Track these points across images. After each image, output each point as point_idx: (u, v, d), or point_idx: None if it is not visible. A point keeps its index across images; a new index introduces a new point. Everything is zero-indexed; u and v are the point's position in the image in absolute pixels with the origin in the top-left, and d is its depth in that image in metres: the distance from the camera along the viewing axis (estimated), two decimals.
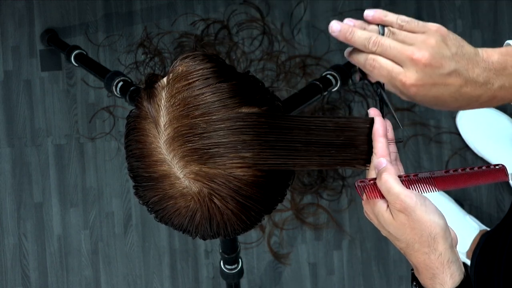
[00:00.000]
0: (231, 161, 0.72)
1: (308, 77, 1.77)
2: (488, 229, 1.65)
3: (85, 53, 1.61)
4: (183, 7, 1.78)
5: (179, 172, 0.73)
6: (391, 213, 0.74)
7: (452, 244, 0.75)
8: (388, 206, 0.74)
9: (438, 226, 0.73)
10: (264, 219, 0.79)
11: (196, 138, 0.72)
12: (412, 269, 0.78)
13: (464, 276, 0.75)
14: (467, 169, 0.75)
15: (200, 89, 0.73)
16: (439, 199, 1.69)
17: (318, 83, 1.28)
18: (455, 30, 1.77)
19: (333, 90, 1.32)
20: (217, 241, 1.69)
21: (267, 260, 1.79)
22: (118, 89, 1.37)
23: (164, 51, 1.77)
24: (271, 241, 1.78)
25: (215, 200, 0.73)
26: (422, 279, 0.76)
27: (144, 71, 1.77)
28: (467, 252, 1.63)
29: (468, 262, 1.64)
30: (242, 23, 1.78)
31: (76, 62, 1.60)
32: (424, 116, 1.78)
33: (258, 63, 1.78)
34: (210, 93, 0.73)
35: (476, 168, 0.75)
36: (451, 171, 0.75)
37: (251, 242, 1.78)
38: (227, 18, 1.78)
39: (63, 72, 1.77)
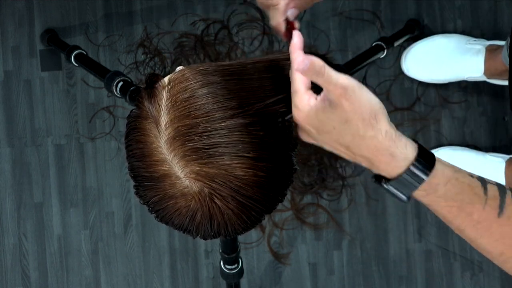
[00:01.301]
0: (231, 161, 0.72)
1: None
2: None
3: (85, 53, 1.61)
4: (183, 7, 1.78)
5: (180, 172, 0.73)
6: (331, 101, 0.70)
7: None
8: (323, 98, 0.71)
9: (377, 103, 0.71)
10: (264, 218, 0.79)
11: (196, 138, 0.72)
12: (373, 176, 0.75)
13: (417, 143, 0.73)
14: None
15: (200, 89, 0.73)
16: (455, 153, 1.71)
17: None
18: (455, 30, 1.77)
19: None
20: (217, 241, 1.69)
21: (267, 260, 1.79)
22: (118, 89, 1.37)
23: (164, 51, 1.77)
24: (271, 241, 1.78)
25: (216, 200, 0.73)
26: (385, 169, 0.72)
27: (144, 71, 1.77)
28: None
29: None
30: (242, 23, 1.78)
31: (76, 62, 1.60)
32: (424, 115, 1.78)
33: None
34: (211, 93, 0.73)
35: None
36: None
37: (251, 242, 1.78)
38: (227, 18, 1.78)
39: (63, 72, 1.77)
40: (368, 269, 1.79)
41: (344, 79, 0.69)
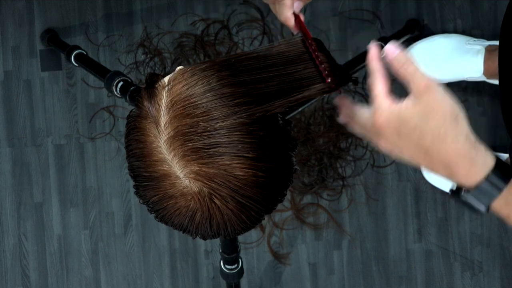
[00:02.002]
0: (231, 161, 0.72)
1: None
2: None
3: (85, 53, 1.61)
4: (183, 7, 1.78)
5: (180, 172, 0.73)
6: (415, 97, 0.70)
7: None
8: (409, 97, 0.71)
9: (457, 106, 0.70)
10: (264, 219, 0.79)
11: (196, 137, 0.72)
12: (450, 191, 0.74)
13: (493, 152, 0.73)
14: None
15: (199, 88, 0.74)
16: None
17: None
18: (455, 30, 1.77)
19: None
20: (217, 241, 1.69)
21: (267, 260, 1.79)
22: (118, 89, 1.37)
23: (164, 51, 1.77)
24: (271, 241, 1.78)
25: (215, 200, 0.73)
26: (463, 177, 0.71)
27: (144, 71, 1.77)
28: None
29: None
30: (242, 23, 1.78)
31: (76, 62, 1.60)
32: None
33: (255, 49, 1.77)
34: (210, 92, 0.73)
35: None
36: None
37: (251, 242, 1.78)
38: (227, 18, 1.78)
39: (63, 72, 1.77)
40: (368, 269, 1.79)
41: (429, 76, 0.70)
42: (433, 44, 1.71)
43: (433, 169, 0.73)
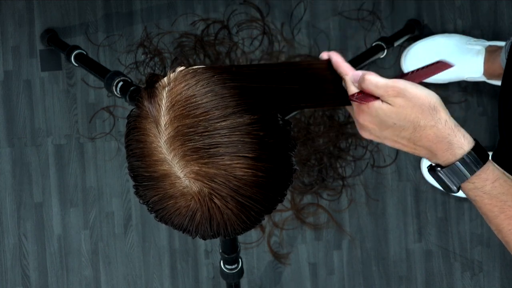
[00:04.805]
0: (231, 161, 0.72)
1: None
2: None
3: (85, 53, 1.61)
4: (183, 7, 1.78)
5: (180, 172, 0.73)
6: (388, 103, 0.77)
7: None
8: (382, 101, 0.77)
9: (434, 97, 0.77)
10: (264, 219, 0.79)
11: (196, 137, 0.72)
12: (429, 166, 0.81)
13: (474, 139, 0.79)
14: (420, 70, 0.83)
15: (200, 89, 0.74)
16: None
17: None
18: (455, 30, 1.77)
19: None
20: (217, 241, 1.69)
21: (267, 260, 1.79)
22: (118, 89, 1.37)
23: (164, 51, 1.77)
24: (271, 241, 1.78)
25: (215, 200, 0.73)
26: (441, 157, 0.78)
27: (144, 71, 1.77)
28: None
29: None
30: (242, 23, 1.78)
31: (76, 62, 1.60)
32: None
33: (258, 63, 1.78)
34: (210, 92, 0.73)
35: (425, 68, 0.84)
36: (410, 73, 0.83)
37: (251, 242, 1.78)
38: (227, 18, 1.78)
39: (63, 72, 1.77)
40: (368, 269, 1.79)
41: (394, 82, 0.77)
42: (433, 44, 1.71)
43: (414, 153, 0.80)
